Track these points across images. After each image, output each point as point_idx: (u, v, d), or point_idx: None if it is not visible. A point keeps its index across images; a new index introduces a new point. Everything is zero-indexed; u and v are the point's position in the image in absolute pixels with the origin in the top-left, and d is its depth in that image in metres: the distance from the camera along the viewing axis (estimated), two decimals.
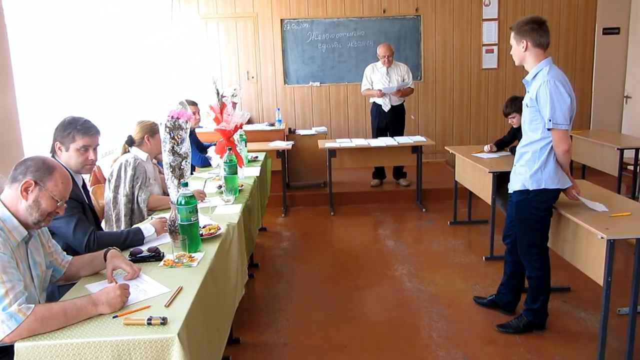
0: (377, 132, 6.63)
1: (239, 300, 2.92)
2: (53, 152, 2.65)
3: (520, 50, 3.06)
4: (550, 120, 2.92)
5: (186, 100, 4.76)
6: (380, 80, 6.43)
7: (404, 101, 6.61)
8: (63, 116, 2.69)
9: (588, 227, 2.86)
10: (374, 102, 6.58)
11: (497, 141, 5.03)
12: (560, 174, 3.08)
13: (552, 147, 3.01)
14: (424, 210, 6.07)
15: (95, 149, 2.69)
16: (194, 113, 4.80)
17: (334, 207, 6.21)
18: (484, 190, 4.63)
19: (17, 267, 1.86)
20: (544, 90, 2.93)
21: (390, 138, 6.37)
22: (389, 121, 6.56)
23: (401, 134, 6.58)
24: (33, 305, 1.75)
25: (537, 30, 3.00)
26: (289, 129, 6.90)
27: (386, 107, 6.49)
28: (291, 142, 6.30)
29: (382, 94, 6.36)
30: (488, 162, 4.62)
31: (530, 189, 3.09)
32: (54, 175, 2.00)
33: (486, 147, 4.99)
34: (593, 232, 2.82)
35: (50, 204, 1.99)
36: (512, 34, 3.10)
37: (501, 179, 4.21)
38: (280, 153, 6.06)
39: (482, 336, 3.33)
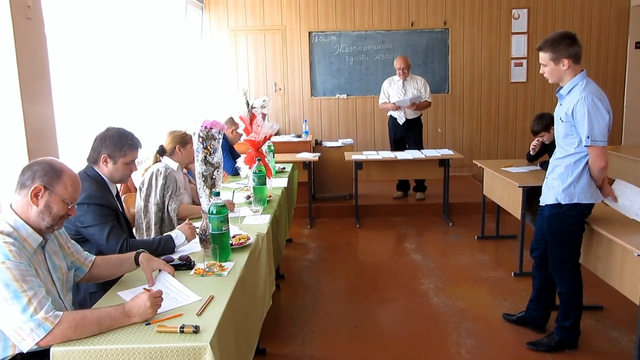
0: (394, 145, 6.64)
1: (266, 310, 2.93)
2: (94, 161, 2.69)
3: (560, 69, 2.97)
4: (588, 137, 2.86)
5: (232, 118, 4.85)
6: (396, 93, 6.40)
7: (420, 115, 6.55)
8: (97, 126, 2.73)
9: (623, 244, 2.81)
10: (391, 115, 6.56)
11: (527, 155, 4.94)
12: (593, 189, 3.02)
13: (586, 161, 2.96)
14: (450, 224, 6.01)
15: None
16: (237, 130, 4.85)
17: (360, 220, 6.20)
18: (513, 204, 4.57)
19: (36, 274, 1.86)
20: (581, 107, 2.87)
21: (417, 151, 6.32)
22: (404, 134, 6.54)
23: (419, 147, 6.53)
24: (61, 314, 1.77)
25: (572, 45, 2.94)
26: (316, 140, 6.92)
27: (401, 120, 6.45)
28: (318, 154, 6.32)
29: (397, 107, 6.33)
30: (518, 176, 4.56)
31: (563, 202, 3.04)
32: (63, 179, 1.97)
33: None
34: (629, 249, 2.76)
35: (62, 208, 1.97)
36: (547, 54, 2.99)
37: (531, 194, 4.15)
38: (306, 164, 6.08)
39: (512, 354, 3.26)
